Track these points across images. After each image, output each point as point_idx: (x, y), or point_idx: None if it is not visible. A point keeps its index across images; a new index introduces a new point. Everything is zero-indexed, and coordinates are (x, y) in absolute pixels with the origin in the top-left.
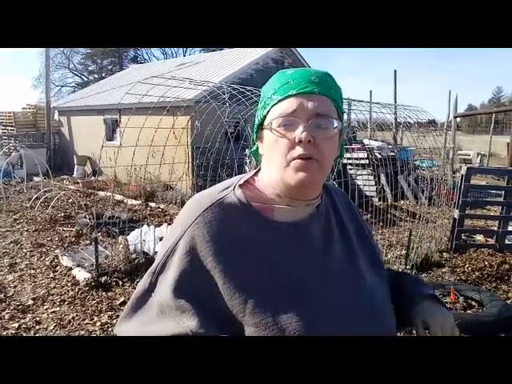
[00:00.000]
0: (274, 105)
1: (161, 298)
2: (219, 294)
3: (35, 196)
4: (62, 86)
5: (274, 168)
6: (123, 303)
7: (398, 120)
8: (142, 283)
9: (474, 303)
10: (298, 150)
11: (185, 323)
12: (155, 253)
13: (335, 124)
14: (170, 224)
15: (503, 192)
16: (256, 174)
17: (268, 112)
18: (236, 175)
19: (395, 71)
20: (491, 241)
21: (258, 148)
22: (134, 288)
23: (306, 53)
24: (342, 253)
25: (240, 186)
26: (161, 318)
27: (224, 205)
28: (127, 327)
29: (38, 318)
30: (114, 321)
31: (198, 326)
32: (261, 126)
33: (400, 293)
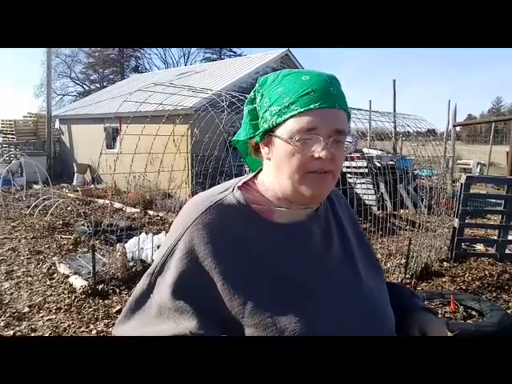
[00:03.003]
0: (293, 116)
1: (159, 299)
2: (218, 295)
3: (34, 204)
4: (64, 95)
5: (286, 179)
6: (120, 311)
7: (398, 129)
8: (141, 284)
9: (474, 313)
10: (316, 165)
11: (184, 324)
12: (153, 261)
13: (349, 139)
14: (168, 232)
15: (503, 201)
16: (255, 176)
17: (283, 121)
18: None
19: (394, 81)
20: (491, 250)
21: (245, 141)
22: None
23: (303, 61)
24: (341, 253)
25: (239, 187)
26: (159, 319)
27: (223, 206)
28: (125, 328)
29: (33, 326)
30: (110, 329)
31: (197, 327)
32: (270, 131)
33: (395, 303)
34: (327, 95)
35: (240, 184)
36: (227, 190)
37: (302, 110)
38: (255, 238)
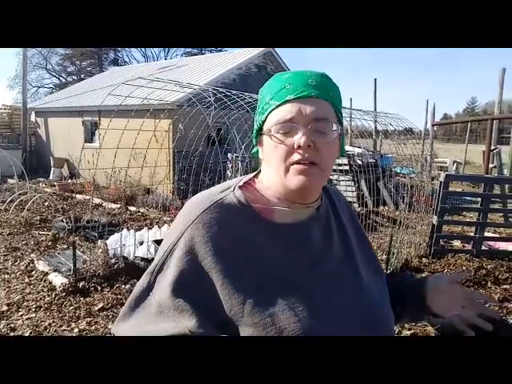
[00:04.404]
0: (272, 110)
1: (159, 297)
2: (218, 295)
3: (10, 199)
4: (39, 87)
5: (274, 173)
6: (102, 309)
7: (379, 127)
8: (141, 283)
9: None
10: (298, 156)
11: (183, 323)
12: (135, 257)
13: (334, 127)
14: (150, 228)
15: (480, 199)
16: (256, 175)
17: (266, 117)
18: (218, 179)
19: (375, 80)
20: (468, 246)
21: (257, 151)
22: (114, 293)
23: (286, 58)
24: (342, 253)
25: (240, 187)
26: (159, 317)
27: (223, 205)
28: (125, 327)
29: (12, 325)
30: (93, 327)
31: (197, 326)
32: (260, 131)
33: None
34: (304, 86)
35: (241, 183)
36: (228, 189)
37: (279, 102)
38: (255, 237)
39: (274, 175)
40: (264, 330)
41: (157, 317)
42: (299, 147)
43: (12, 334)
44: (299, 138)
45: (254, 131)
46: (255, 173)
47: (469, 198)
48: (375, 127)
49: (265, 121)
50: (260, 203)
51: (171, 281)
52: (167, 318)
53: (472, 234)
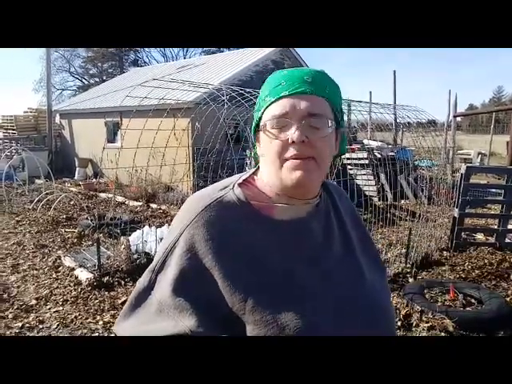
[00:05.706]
0: (268, 107)
1: (160, 296)
2: (218, 293)
3: (37, 198)
4: (63, 90)
5: (271, 168)
6: (125, 302)
7: (398, 120)
8: (142, 281)
9: (473, 300)
10: (292, 151)
11: (184, 322)
12: (156, 253)
13: (329, 123)
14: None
15: (503, 190)
16: (255, 172)
17: (262, 114)
18: None
19: (394, 72)
20: (491, 239)
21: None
22: None
23: (304, 52)
24: (342, 249)
25: (239, 184)
26: (160, 316)
27: (223, 203)
28: (126, 325)
29: (41, 318)
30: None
31: (197, 325)
32: (257, 127)
33: None
34: (300, 83)
35: (240, 181)
36: (227, 187)
37: (274, 99)
38: (255, 234)
39: (271, 170)
40: (265, 327)
41: (157, 316)
42: (293, 142)
43: (40, 326)
44: (293, 133)
45: (252, 128)
46: (254, 169)
47: (494, 190)
48: (395, 120)
49: (261, 117)
50: (259, 200)
51: (172, 279)
52: (167, 317)
53: (496, 227)
